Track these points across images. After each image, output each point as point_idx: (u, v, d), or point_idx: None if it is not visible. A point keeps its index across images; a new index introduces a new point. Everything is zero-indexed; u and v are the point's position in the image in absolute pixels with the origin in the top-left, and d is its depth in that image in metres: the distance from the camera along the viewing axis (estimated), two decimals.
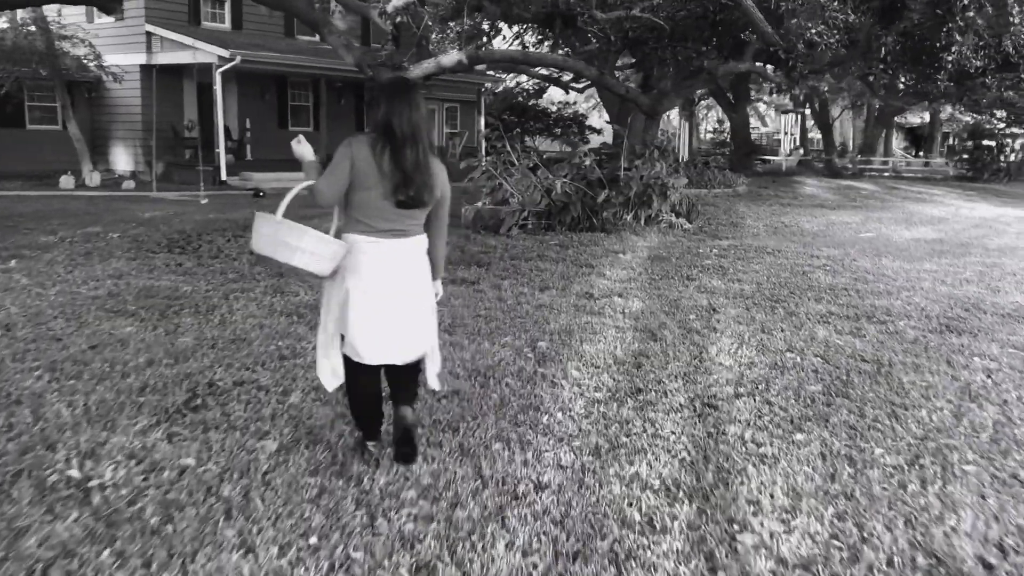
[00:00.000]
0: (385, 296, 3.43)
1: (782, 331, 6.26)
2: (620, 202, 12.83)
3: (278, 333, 5.85)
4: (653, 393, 4.69)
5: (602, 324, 6.35)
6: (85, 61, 20.74)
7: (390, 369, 3.58)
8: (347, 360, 3.53)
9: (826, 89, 29.08)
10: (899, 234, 13.35)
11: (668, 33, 11.39)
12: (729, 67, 12.63)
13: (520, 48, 11.77)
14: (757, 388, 4.83)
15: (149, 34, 21.22)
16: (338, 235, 3.50)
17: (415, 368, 3.65)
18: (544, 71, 15.92)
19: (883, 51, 12.30)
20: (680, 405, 4.51)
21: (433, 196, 3.46)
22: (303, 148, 3.56)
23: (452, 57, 11.08)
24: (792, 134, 44.36)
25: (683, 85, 13.73)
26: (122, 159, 22.49)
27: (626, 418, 4.29)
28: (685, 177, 13.62)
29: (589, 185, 12.81)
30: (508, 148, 13.26)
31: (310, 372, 4.87)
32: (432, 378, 3.73)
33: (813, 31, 11.47)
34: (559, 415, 4.30)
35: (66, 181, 18.79)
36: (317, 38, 25.42)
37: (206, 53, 20.03)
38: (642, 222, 13.00)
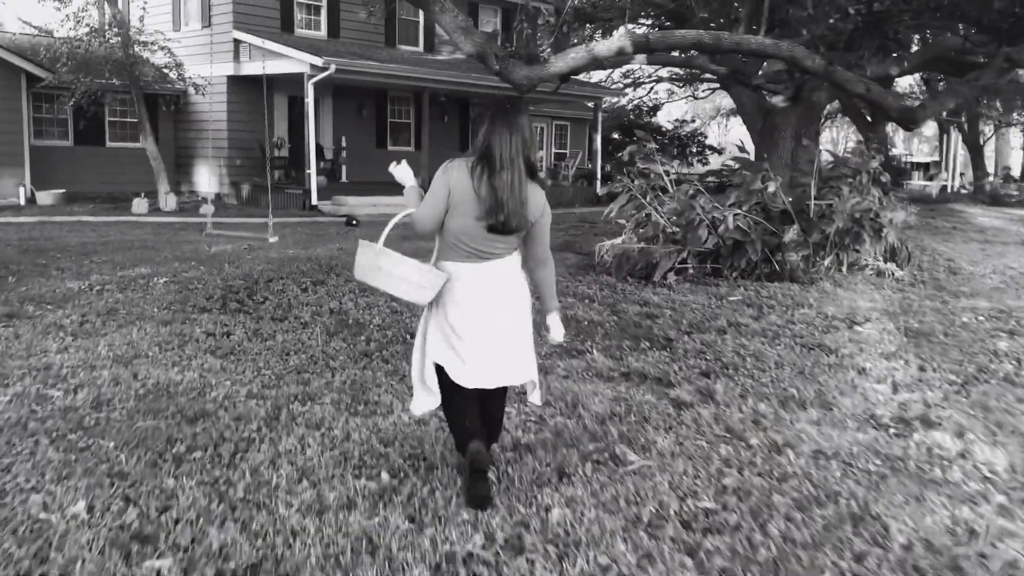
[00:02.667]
0: (482, 319, 3.29)
1: None
2: (814, 242, 9.65)
3: (342, 534, 2.93)
4: None
5: (979, 526, 3.20)
6: (165, 71, 18.65)
7: (483, 394, 3.40)
8: (445, 381, 3.36)
9: None
10: None
11: (931, 5, 8.13)
12: None
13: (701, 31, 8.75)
14: None
15: (237, 42, 19.05)
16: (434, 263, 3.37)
17: (504, 396, 3.52)
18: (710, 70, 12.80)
19: None
20: None
21: (526, 222, 3.28)
22: (403, 171, 3.41)
23: (611, 44, 8.13)
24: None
25: (963, 81, 10.14)
26: (205, 180, 20.33)
27: None
28: (903, 211, 10.33)
29: (769, 219, 9.71)
30: (660, 170, 10.27)
31: None
32: (534, 397, 3.58)
33: None
34: None
35: (138, 205, 16.61)
36: (420, 48, 22.99)
37: (297, 62, 17.68)
38: (843, 269, 9.78)
